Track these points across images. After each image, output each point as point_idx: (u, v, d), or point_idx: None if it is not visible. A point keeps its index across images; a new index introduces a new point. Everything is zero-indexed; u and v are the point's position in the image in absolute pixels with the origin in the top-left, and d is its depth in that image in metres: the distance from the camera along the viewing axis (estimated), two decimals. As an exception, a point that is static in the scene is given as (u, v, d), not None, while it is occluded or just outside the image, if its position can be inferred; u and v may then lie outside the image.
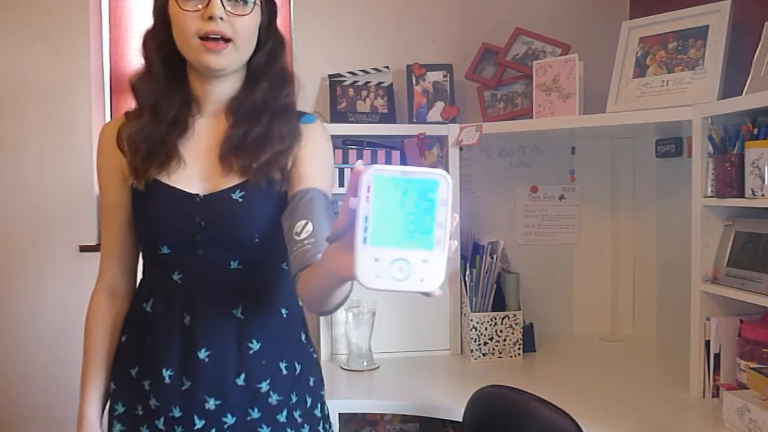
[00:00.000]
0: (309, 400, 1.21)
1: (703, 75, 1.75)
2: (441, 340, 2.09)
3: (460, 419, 1.53)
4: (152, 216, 1.14)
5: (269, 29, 1.17)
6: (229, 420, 1.11)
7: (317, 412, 1.23)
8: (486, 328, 2.00)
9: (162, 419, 1.12)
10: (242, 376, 1.12)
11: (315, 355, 1.27)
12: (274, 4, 1.19)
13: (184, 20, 1.08)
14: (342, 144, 2.08)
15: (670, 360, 1.95)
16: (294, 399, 1.17)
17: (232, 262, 1.13)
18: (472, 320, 2.00)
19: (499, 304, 2.04)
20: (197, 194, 1.13)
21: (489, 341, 2.00)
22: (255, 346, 1.14)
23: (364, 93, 2.18)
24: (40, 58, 2.16)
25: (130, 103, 1.20)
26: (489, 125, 2.04)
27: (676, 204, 2.02)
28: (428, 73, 2.19)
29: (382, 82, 2.20)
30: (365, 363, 1.94)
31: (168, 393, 1.11)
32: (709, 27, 1.77)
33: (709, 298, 1.62)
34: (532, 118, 2.03)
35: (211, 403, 1.10)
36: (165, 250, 1.13)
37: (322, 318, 2.01)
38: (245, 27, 1.10)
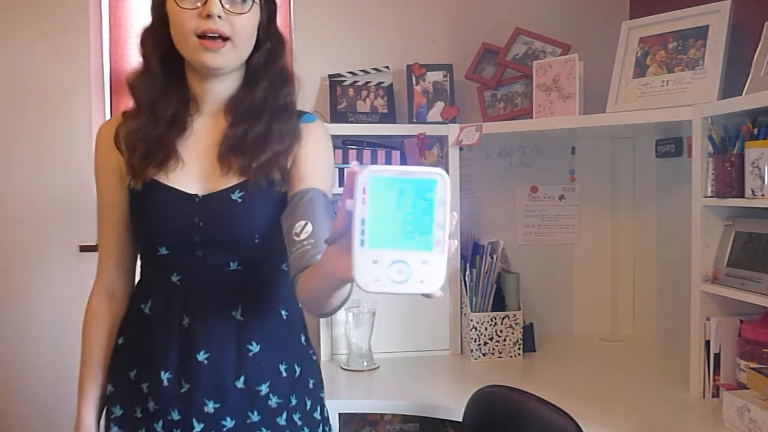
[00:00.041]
0: (309, 403, 1.20)
1: (703, 75, 1.75)
2: (441, 340, 2.09)
3: (460, 419, 1.52)
4: (150, 216, 1.12)
5: (268, 28, 1.16)
6: (229, 423, 1.10)
7: (317, 415, 1.22)
8: (486, 328, 2.00)
9: (161, 422, 1.10)
10: (242, 378, 1.11)
11: (315, 357, 1.26)
12: (274, 3, 1.17)
13: (182, 18, 1.07)
14: (342, 144, 2.08)
15: (670, 360, 1.95)
16: (294, 402, 1.16)
17: (231, 263, 1.12)
18: (472, 320, 2.00)
19: (499, 304, 2.04)
20: (196, 194, 1.11)
21: (489, 341, 2.00)
22: (254, 348, 1.13)
23: (364, 93, 2.18)
24: (40, 58, 2.16)
25: (130, 104, 1.19)
26: (489, 125, 2.04)
27: (676, 204, 2.02)
28: (428, 73, 2.19)
29: (382, 82, 2.20)
30: (365, 363, 1.94)
31: (166, 396, 1.10)
32: (709, 27, 1.77)
33: (709, 298, 1.62)
34: (532, 118, 2.03)
35: (210, 406, 1.09)
36: (163, 251, 1.12)
37: (322, 318, 2.01)
38: (244, 25, 1.09)
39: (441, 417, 1.69)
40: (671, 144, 2.05)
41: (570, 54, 2.01)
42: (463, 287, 2.03)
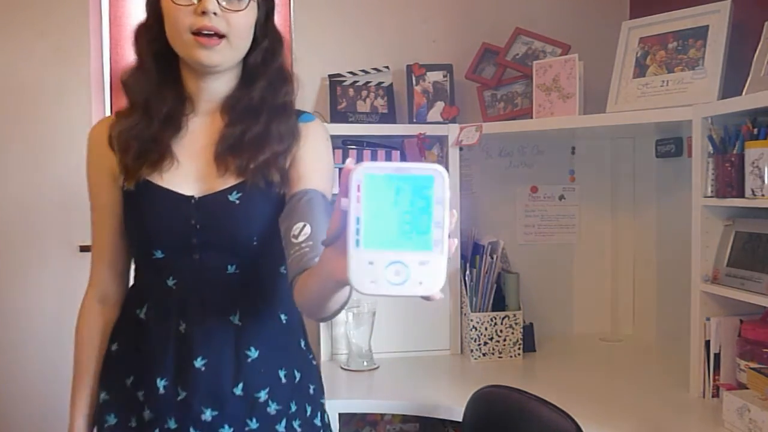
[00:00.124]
0: (309, 409, 1.17)
1: (703, 75, 1.75)
2: (441, 340, 2.08)
3: (460, 419, 1.52)
4: (145, 218, 1.09)
5: (266, 26, 1.13)
6: (227, 431, 1.07)
7: (317, 421, 1.19)
8: (486, 328, 2.00)
9: (156, 431, 1.07)
10: (240, 385, 1.08)
11: (315, 363, 1.23)
12: (272, 0, 1.15)
13: (176, 15, 1.04)
14: (342, 144, 2.07)
15: (670, 360, 1.95)
16: (293, 408, 1.13)
17: (229, 266, 1.09)
18: (472, 320, 1.99)
19: (499, 304, 2.04)
20: (192, 196, 1.08)
21: (489, 341, 2.00)
22: (253, 353, 1.10)
23: (364, 93, 2.18)
24: (40, 58, 2.16)
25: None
26: (489, 125, 2.04)
27: (676, 204, 2.02)
28: (428, 73, 2.19)
29: (382, 82, 2.20)
30: (365, 363, 1.94)
31: (163, 404, 1.07)
32: (709, 27, 1.77)
33: (709, 298, 1.62)
34: (532, 118, 2.02)
35: (207, 414, 1.06)
36: (158, 254, 1.09)
37: (321, 322, 2.01)
38: (240, 23, 1.06)
39: (441, 417, 1.69)
40: (671, 144, 2.05)
41: (570, 54, 2.01)
42: (463, 287, 2.03)
